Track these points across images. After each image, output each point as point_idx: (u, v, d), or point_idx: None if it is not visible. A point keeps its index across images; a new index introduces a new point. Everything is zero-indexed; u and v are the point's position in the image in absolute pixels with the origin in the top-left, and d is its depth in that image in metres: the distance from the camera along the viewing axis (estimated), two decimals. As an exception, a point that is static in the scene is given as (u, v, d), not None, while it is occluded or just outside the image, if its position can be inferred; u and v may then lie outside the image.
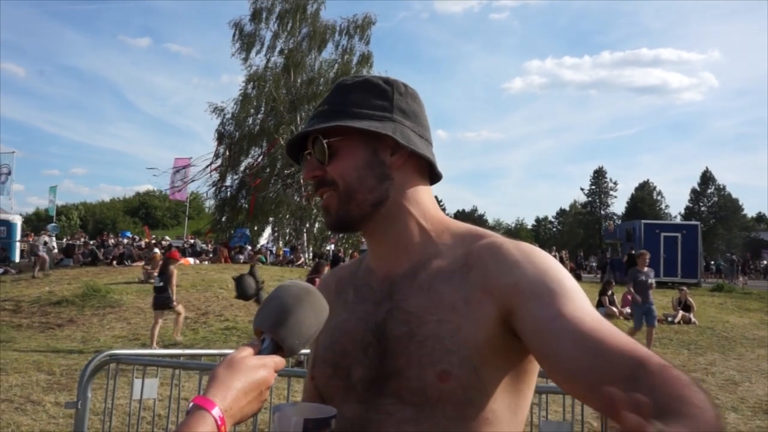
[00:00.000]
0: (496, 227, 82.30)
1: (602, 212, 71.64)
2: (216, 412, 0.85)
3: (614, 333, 0.90)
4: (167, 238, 32.55)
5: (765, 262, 39.40)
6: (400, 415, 1.04)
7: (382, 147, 1.11)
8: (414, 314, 1.07)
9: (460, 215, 78.99)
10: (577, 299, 0.97)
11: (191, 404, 0.87)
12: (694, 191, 70.82)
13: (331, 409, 0.98)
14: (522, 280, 1.00)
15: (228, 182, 28.03)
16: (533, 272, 1.01)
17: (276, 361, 0.96)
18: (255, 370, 0.92)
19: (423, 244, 1.14)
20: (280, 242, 28.66)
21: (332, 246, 28.57)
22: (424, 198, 1.16)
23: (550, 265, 1.03)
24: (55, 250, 22.82)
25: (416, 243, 1.14)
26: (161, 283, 10.51)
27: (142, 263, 18.03)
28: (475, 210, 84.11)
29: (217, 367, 0.92)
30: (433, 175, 1.19)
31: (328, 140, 1.10)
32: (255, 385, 0.91)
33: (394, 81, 1.17)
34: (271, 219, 28.02)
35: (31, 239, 24.88)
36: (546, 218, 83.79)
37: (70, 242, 26.23)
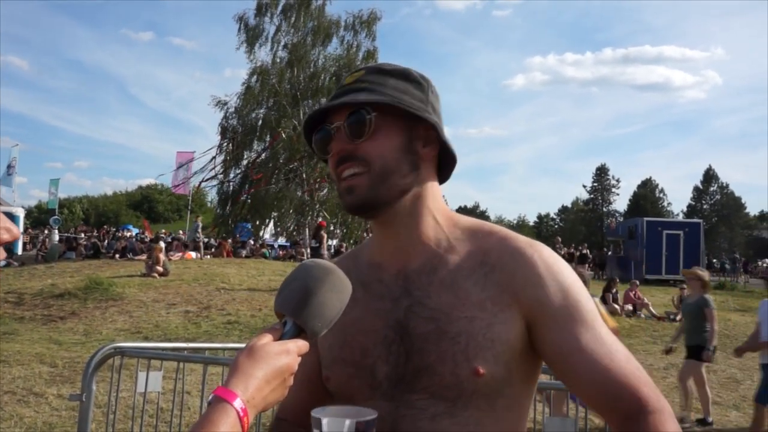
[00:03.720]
0: (498, 224, 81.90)
1: (604, 209, 71.66)
2: (238, 403, 0.84)
3: (622, 369, 1.02)
4: (181, 232, 32.53)
5: (766, 263, 39.26)
6: (433, 410, 1.05)
7: (417, 136, 1.12)
8: (440, 311, 1.07)
9: (462, 211, 78.13)
10: (592, 326, 1.05)
11: (212, 396, 0.85)
12: (696, 189, 70.75)
13: (371, 411, 0.95)
14: (545, 300, 1.05)
15: (231, 176, 28.01)
16: (555, 292, 1.06)
17: (299, 345, 0.93)
18: (277, 356, 0.89)
19: (436, 239, 1.14)
20: (265, 233, 28.64)
21: (334, 242, 28.57)
22: (438, 194, 1.18)
23: (570, 284, 1.08)
24: (59, 243, 22.86)
25: (430, 237, 1.14)
26: (317, 245, 14.28)
27: (144, 257, 18.06)
28: (477, 206, 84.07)
29: (238, 355, 0.90)
30: (440, 175, 1.21)
31: (373, 115, 1.07)
32: (278, 372, 0.89)
33: (428, 78, 1.18)
34: (274, 214, 27.99)
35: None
36: (548, 215, 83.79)
37: (73, 235, 26.28)
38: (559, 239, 28.66)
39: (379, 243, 1.18)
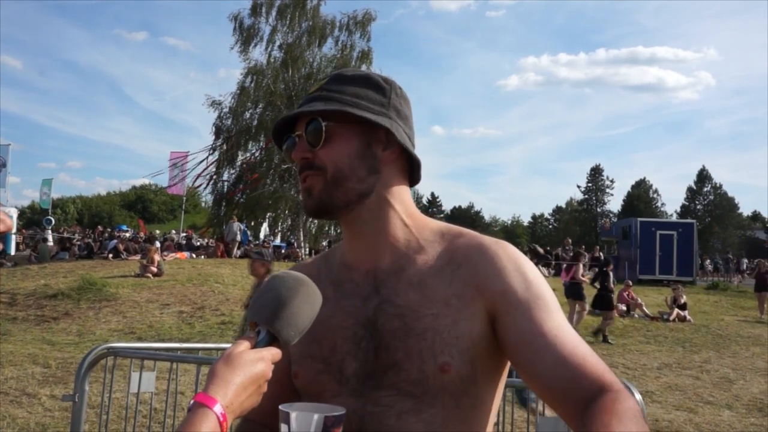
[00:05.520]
0: (493, 224, 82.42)
1: (598, 210, 71.82)
2: (218, 408, 0.86)
3: (587, 356, 1.00)
4: (174, 232, 32.42)
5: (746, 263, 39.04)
6: (399, 406, 1.06)
7: (376, 140, 1.13)
8: (407, 308, 1.09)
9: (457, 211, 78.96)
10: (556, 315, 1.05)
11: (192, 402, 0.88)
12: (690, 189, 70.96)
13: (339, 407, 0.97)
14: (509, 289, 1.07)
15: (225, 177, 27.97)
16: (519, 282, 1.07)
17: (273, 353, 0.96)
18: (253, 364, 0.92)
19: (406, 240, 1.16)
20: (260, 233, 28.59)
21: (324, 243, 28.55)
22: (406, 196, 1.19)
23: (533, 277, 1.09)
24: (51, 243, 22.77)
25: (399, 238, 1.16)
26: None
27: (138, 257, 18.01)
28: (471, 206, 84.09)
29: (215, 363, 0.93)
30: (411, 178, 1.21)
31: (326, 123, 1.10)
32: (254, 379, 0.92)
33: (391, 81, 1.19)
34: (269, 214, 27.97)
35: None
36: (542, 215, 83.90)
37: (66, 235, 26.18)
38: (569, 240, 28.12)
39: (349, 244, 1.20)
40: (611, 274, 12.71)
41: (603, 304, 12.24)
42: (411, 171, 1.20)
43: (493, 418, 1.14)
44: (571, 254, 14.16)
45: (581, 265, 12.95)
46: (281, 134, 1.19)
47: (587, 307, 12.54)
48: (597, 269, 13.86)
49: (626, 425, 0.88)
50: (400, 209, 1.16)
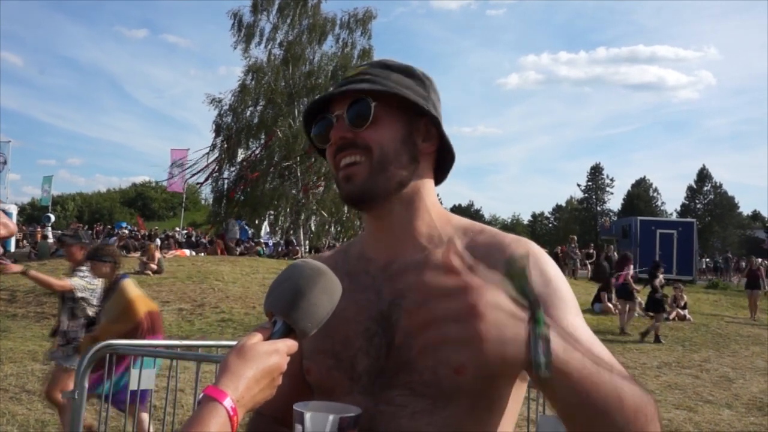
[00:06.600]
0: (492, 222, 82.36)
1: (598, 209, 71.81)
2: (228, 402, 0.84)
3: (603, 356, 0.96)
4: (177, 229, 32.39)
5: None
6: (413, 407, 1.03)
7: (417, 130, 1.13)
8: (423, 305, 1.04)
9: (457, 210, 78.99)
10: (574, 315, 1.03)
11: (202, 395, 0.85)
12: (690, 188, 70.95)
13: (354, 407, 0.95)
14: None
15: (225, 174, 27.95)
16: (538, 279, 1.04)
17: (288, 345, 0.93)
18: (267, 356, 0.89)
19: (429, 235, 1.14)
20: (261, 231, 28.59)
21: (328, 241, 28.54)
22: (433, 191, 1.18)
23: (554, 273, 1.07)
24: (51, 240, 22.77)
25: (422, 233, 1.14)
26: None
27: (138, 254, 18.00)
28: (471, 205, 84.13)
29: (228, 355, 0.90)
30: (436, 177, 1.21)
31: (375, 104, 1.07)
32: (267, 371, 0.89)
33: (431, 77, 1.19)
34: (270, 213, 27.96)
35: None
36: (542, 214, 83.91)
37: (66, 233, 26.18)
38: (575, 238, 27.89)
39: (371, 236, 1.18)
40: (660, 276, 12.79)
41: (654, 305, 12.36)
42: (436, 169, 1.20)
43: (512, 420, 1.10)
44: (620, 258, 14.44)
45: (631, 267, 13.09)
46: (310, 119, 1.16)
47: (637, 307, 12.94)
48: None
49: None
50: (429, 203, 1.15)
